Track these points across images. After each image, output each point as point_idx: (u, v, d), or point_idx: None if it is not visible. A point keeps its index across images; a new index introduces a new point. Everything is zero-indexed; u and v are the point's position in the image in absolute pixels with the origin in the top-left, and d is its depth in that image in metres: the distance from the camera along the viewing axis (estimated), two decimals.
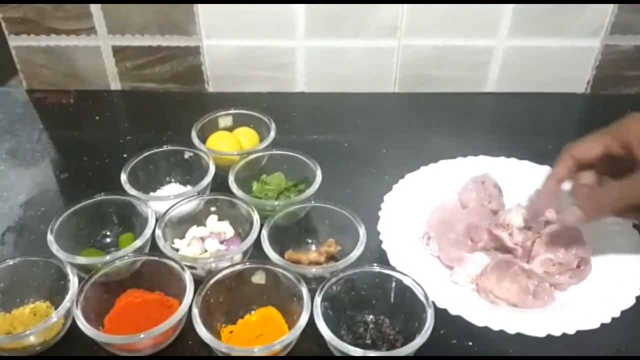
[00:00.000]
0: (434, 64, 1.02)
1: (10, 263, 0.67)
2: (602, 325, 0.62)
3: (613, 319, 0.62)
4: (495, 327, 0.62)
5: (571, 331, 0.61)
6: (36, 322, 0.64)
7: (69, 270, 0.66)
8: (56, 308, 0.63)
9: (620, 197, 0.57)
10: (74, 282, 0.65)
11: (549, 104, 1.03)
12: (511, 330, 0.61)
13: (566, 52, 1.00)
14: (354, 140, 0.95)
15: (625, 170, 0.59)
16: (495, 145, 0.87)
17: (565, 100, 1.04)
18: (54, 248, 0.68)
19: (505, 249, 0.70)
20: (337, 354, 0.62)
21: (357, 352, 0.58)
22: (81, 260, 0.68)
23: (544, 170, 0.81)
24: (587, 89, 1.04)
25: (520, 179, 0.80)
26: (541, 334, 0.61)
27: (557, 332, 0.61)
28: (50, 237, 0.69)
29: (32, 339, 0.63)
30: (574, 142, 0.65)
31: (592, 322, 0.62)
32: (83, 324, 0.60)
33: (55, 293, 0.67)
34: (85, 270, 0.68)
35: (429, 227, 0.75)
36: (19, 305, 0.68)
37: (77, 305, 0.62)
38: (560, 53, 1.00)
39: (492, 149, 0.85)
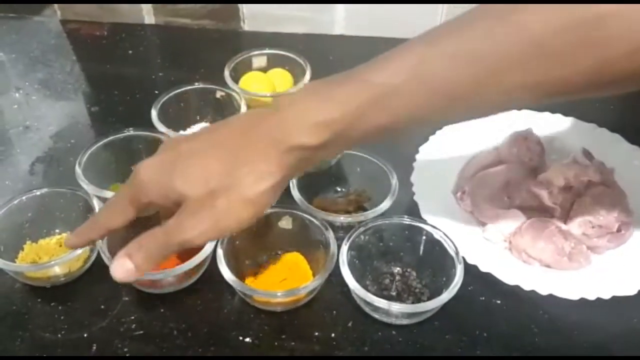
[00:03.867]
0: None
1: (38, 193, 0.67)
2: None
3: None
4: (526, 286, 0.60)
5: (606, 296, 0.59)
6: (61, 253, 0.64)
7: (95, 203, 0.65)
8: None
9: (164, 246, 0.50)
10: None
11: None
12: (543, 291, 0.59)
13: None
14: None
15: None
16: None
17: None
18: (82, 181, 0.68)
19: (543, 209, 0.67)
20: (361, 304, 0.60)
21: (381, 302, 0.56)
22: (109, 194, 0.67)
23: (590, 127, 0.78)
24: None
25: (565, 136, 0.76)
26: (574, 296, 0.59)
27: (591, 296, 0.59)
28: (78, 170, 0.69)
29: (57, 270, 0.63)
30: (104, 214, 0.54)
31: (629, 288, 0.59)
32: (107, 258, 0.60)
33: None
34: None
35: (464, 181, 0.72)
36: (45, 235, 0.68)
37: (102, 239, 0.62)
38: None
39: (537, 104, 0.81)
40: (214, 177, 0.47)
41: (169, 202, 0.49)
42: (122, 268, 0.50)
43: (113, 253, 0.61)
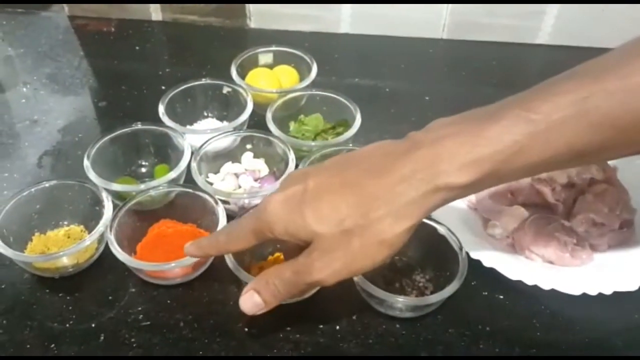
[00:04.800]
0: (485, 11, 0.98)
1: (47, 185, 0.68)
2: None
3: None
4: (529, 281, 0.60)
5: (608, 291, 0.60)
6: (70, 244, 0.65)
7: (104, 195, 0.66)
8: (90, 232, 0.64)
9: (293, 284, 0.50)
10: (108, 207, 0.65)
11: None
12: (545, 285, 0.60)
13: (628, 6, 0.94)
14: (396, 86, 0.93)
15: None
16: None
17: None
18: (90, 173, 0.68)
19: (546, 205, 0.68)
20: (365, 297, 0.61)
21: (385, 295, 0.57)
22: (116, 187, 0.68)
23: None
24: None
25: None
26: (576, 291, 0.60)
27: (593, 292, 0.60)
28: (86, 163, 0.70)
29: (65, 260, 0.64)
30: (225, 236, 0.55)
31: (630, 284, 0.60)
32: (116, 249, 0.61)
33: (89, 218, 0.68)
34: (119, 198, 0.68)
35: None
36: (54, 227, 0.69)
37: (110, 230, 0.63)
38: (622, 7, 0.94)
39: None
40: (349, 216, 0.46)
41: (298, 240, 0.49)
42: (250, 302, 0.52)
43: (121, 245, 0.62)
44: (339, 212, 0.47)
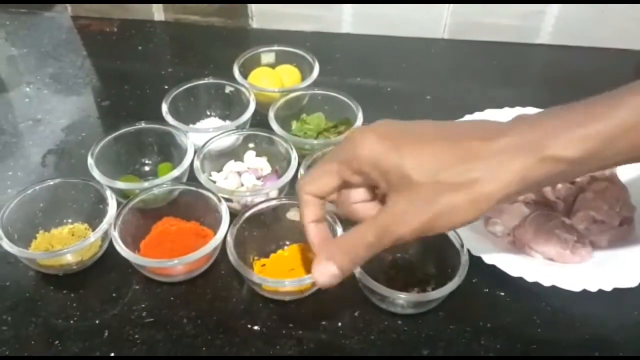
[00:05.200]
0: (486, 11, 0.98)
1: (51, 183, 0.69)
2: None
3: None
4: (529, 278, 0.61)
5: (608, 288, 0.60)
6: (74, 242, 0.66)
7: (107, 193, 0.67)
8: (94, 230, 0.64)
9: (376, 245, 0.46)
10: (112, 205, 0.65)
11: (605, 60, 0.99)
12: (546, 282, 0.61)
13: (628, 6, 0.95)
14: (398, 86, 0.93)
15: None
16: (544, 98, 0.83)
17: (621, 56, 1.00)
18: (94, 171, 0.69)
19: (546, 203, 0.69)
20: (367, 294, 0.62)
21: (387, 292, 0.58)
22: (120, 185, 0.69)
23: None
24: None
25: None
26: (577, 288, 0.60)
27: (593, 288, 0.60)
28: (90, 161, 0.70)
29: (69, 258, 0.64)
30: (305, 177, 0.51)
31: (630, 281, 0.60)
32: (119, 246, 0.62)
33: (93, 216, 0.68)
34: (123, 196, 0.69)
35: None
36: (58, 225, 0.69)
37: (114, 228, 0.63)
38: (622, 7, 0.95)
39: (541, 102, 0.82)
40: (448, 169, 0.44)
41: (381, 180, 0.46)
42: (327, 273, 0.47)
43: (125, 242, 0.62)
44: (439, 162, 0.44)
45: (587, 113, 0.44)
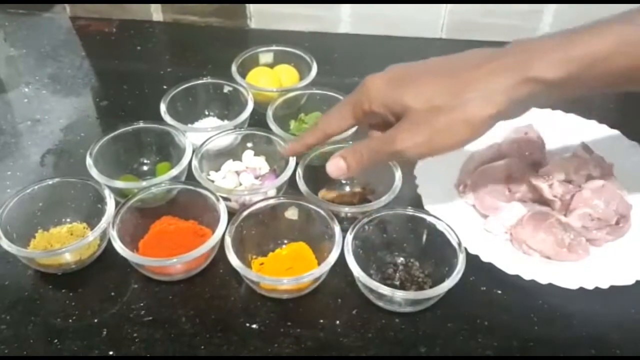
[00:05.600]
0: (484, 10, 0.98)
1: (50, 183, 0.69)
2: (637, 282, 0.61)
3: None
4: (526, 276, 0.61)
5: (604, 286, 0.60)
6: (72, 241, 0.66)
7: (106, 193, 0.67)
8: (92, 229, 0.64)
9: (378, 153, 0.56)
10: (110, 204, 0.66)
11: None
12: (543, 280, 0.61)
13: (626, 6, 0.95)
14: None
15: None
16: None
17: None
18: (93, 171, 0.69)
19: (543, 201, 0.69)
20: (365, 292, 0.62)
21: (385, 290, 0.58)
22: (118, 184, 0.69)
23: (590, 124, 0.79)
24: None
25: (565, 132, 0.78)
26: (573, 286, 0.60)
27: (589, 286, 0.60)
28: (89, 161, 0.70)
29: (67, 257, 0.64)
30: (323, 119, 0.62)
31: (627, 278, 0.61)
32: (118, 245, 0.62)
33: (92, 216, 0.68)
34: (121, 196, 0.69)
35: (466, 175, 0.74)
36: (57, 224, 0.70)
37: (113, 227, 0.63)
38: (620, 7, 0.95)
39: None
40: (441, 95, 0.51)
41: (389, 113, 0.54)
42: (336, 166, 0.58)
43: (124, 241, 0.62)
44: (433, 91, 0.51)
45: (570, 39, 0.49)
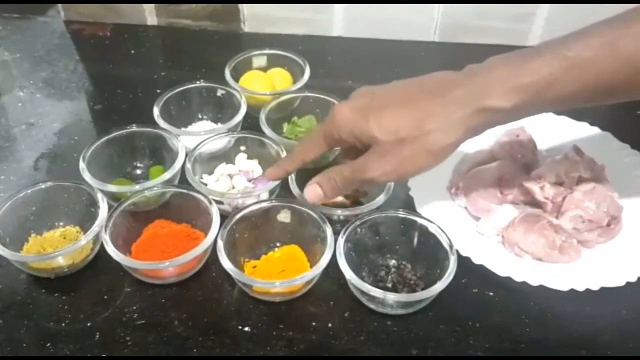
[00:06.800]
0: (476, 13, 0.99)
1: (43, 187, 0.69)
2: (628, 284, 0.61)
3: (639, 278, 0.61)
4: (518, 278, 0.61)
5: (595, 287, 0.61)
6: (66, 245, 0.66)
7: (99, 197, 0.67)
8: (85, 233, 0.64)
9: (350, 181, 0.59)
10: (103, 208, 0.66)
11: None
12: (534, 282, 0.61)
13: (617, 6, 0.95)
14: None
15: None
16: None
17: None
18: (86, 175, 0.69)
19: (535, 203, 0.69)
20: (357, 295, 0.62)
21: (376, 292, 0.58)
22: (111, 188, 0.69)
23: (582, 126, 0.80)
24: None
25: (557, 134, 0.78)
26: (564, 288, 0.61)
27: (580, 287, 0.61)
28: (82, 165, 0.71)
29: (60, 260, 0.64)
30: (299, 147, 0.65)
31: (617, 280, 0.61)
32: (111, 249, 0.62)
33: (85, 220, 0.68)
34: (115, 199, 0.69)
35: (458, 177, 0.74)
36: (50, 228, 0.70)
37: (105, 231, 0.63)
38: (612, 8, 0.95)
39: None
40: (405, 128, 0.55)
41: (357, 142, 0.58)
42: (313, 192, 0.62)
43: (117, 245, 0.63)
44: (397, 123, 0.55)
45: (519, 67, 0.53)
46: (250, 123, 0.82)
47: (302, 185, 0.69)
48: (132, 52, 1.03)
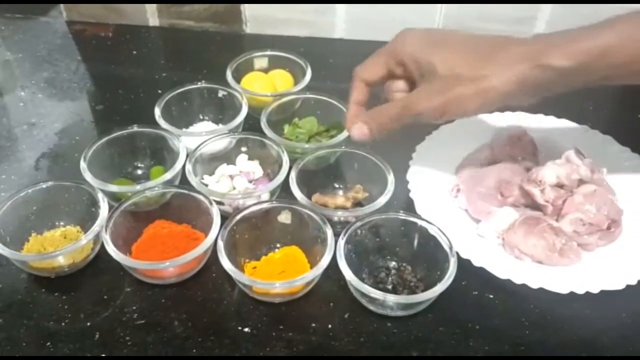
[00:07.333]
0: (478, 16, 0.99)
1: (44, 186, 0.69)
2: (628, 287, 0.61)
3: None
4: (517, 280, 0.61)
5: (595, 290, 0.61)
6: (66, 244, 0.66)
7: (100, 197, 0.67)
8: (86, 233, 0.64)
9: (397, 116, 0.61)
10: (104, 208, 0.66)
11: None
12: (534, 284, 0.61)
13: (617, 6, 0.95)
14: None
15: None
16: (533, 103, 0.84)
17: None
18: (87, 175, 0.69)
19: (535, 206, 0.69)
20: (357, 296, 0.62)
21: (376, 294, 0.58)
22: (112, 187, 0.69)
23: (582, 129, 0.80)
24: None
25: (557, 137, 0.78)
26: (564, 290, 0.61)
27: (580, 290, 0.61)
28: (83, 165, 0.71)
29: (61, 260, 0.64)
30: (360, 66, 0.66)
31: (617, 283, 0.61)
32: (111, 249, 0.62)
33: (85, 219, 0.68)
34: (115, 199, 0.69)
35: (459, 179, 0.74)
36: (51, 228, 0.70)
37: (106, 230, 0.63)
38: (614, 9, 0.95)
39: (530, 106, 0.82)
40: (464, 66, 0.57)
41: (415, 70, 0.60)
42: (359, 131, 0.63)
43: (117, 245, 0.63)
44: (458, 60, 0.57)
45: (581, 34, 0.56)
46: (252, 124, 0.82)
47: (303, 186, 0.69)
48: (134, 52, 1.03)
